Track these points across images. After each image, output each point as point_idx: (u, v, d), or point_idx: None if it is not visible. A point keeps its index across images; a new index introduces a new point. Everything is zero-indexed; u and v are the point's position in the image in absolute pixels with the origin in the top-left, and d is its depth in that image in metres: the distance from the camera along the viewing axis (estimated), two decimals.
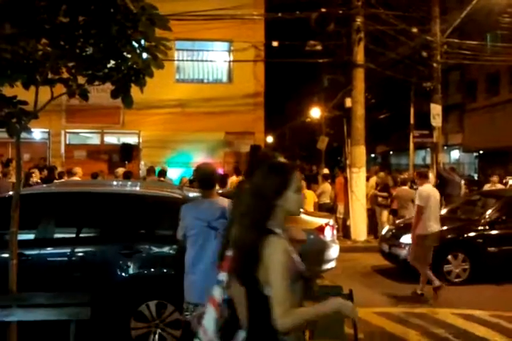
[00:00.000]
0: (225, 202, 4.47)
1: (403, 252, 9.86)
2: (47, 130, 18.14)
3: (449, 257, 9.50)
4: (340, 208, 14.41)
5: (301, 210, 9.61)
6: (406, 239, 9.95)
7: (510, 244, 9.64)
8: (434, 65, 17.37)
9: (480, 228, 9.79)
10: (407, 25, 16.72)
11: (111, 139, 19.69)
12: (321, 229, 8.81)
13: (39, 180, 11.77)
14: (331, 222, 9.17)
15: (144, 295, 5.83)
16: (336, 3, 14.79)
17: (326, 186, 14.09)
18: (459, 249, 9.65)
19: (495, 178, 15.25)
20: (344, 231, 14.46)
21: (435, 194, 8.65)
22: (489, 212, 10.00)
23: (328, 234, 8.88)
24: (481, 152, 32.76)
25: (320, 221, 9.06)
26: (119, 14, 4.23)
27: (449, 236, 9.76)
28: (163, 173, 13.64)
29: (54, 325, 4.54)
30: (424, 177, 9.07)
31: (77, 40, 4.42)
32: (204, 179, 4.59)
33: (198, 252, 4.43)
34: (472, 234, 9.78)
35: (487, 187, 14.74)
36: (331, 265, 9.04)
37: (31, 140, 16.37)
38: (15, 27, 4.27)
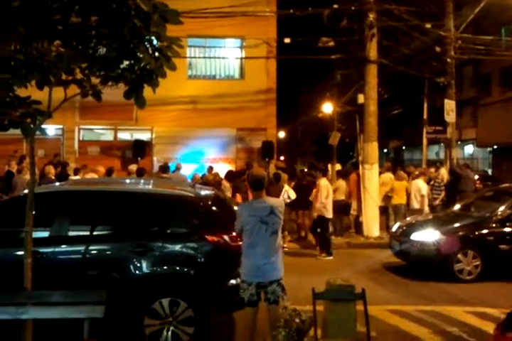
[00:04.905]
0: (272, 201, 5.46)
1: (414, 249, 9.83)
2: (61, 126, 18.25)
3: (459, 256, 9.45)
4: (354, 204, 14.37)
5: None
6: (417, 236, 9.92)
7: None
8: (448, 60, 17.26)
9: (492, 225, 9.71)
10: (421, 20, 16.59)
11: (124, 135, 19.76)
12: None
13: (53, 177, 11.84)
14: None
15: (157, 292, 5.89)
16: None
17: (341, 183, 14.04)
18: (469, 246, 9.56)
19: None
20: (357, 227, 14.45)
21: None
22: (502, 208, 9.90)
23: None
24: (495, 147, 32.44)
25: None
26: (130, 13, 4.24)
27: (460, 233, 9.72)
28: (167, 169, 13.63)
29: (68, 322, 4.60)
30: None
31: (89, 40, 4.44)
32: (255, 182, 5.41)
33: (253, 241, 5.27)
34: (484, 231, 9.69)
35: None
36: None
37: (45, 136, 16.46)
38: (28, 28, 4.31)
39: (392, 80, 26.24)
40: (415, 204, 13.45)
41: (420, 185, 13.49)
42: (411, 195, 13.58)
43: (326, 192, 11.92)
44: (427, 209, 13.61)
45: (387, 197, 14.26)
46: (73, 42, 4.43)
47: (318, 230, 12.17)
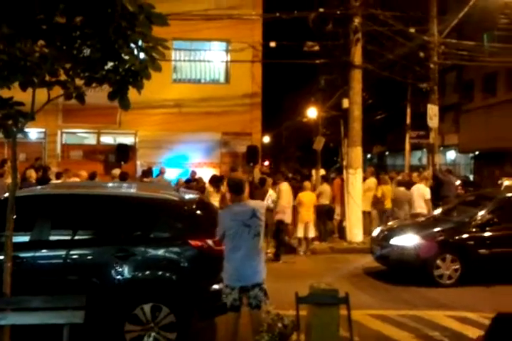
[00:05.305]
0: (253, 203, 5.41)
1: (394, 254, 9.84)
2: (43, 130, 18.08)
3: (439, 261, 9.48)
4: (338, 209, 14.39)
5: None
6: (397, 240, 9.94)
7: (502, 246, 9.61)
8: (431, 65, 17.38)
9: (471, 230, 9.75)
10: (405, 25, 16.71)
11: (107, 139, 19.61)
12: None
13: (34, 180, 11.68)
14: None
15: (139, 298, 5.81)
16: (333, 3, 14.75)
17: (325, 187, 14.05)
18: (448, 250, 9.60)
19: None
20: (340, 232, 14.46)
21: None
22: (481, 213, 9.94)
23: None
24: (477, 153, 32.70)
25: None
26: (116, 14, 4.19)
27: (440, 237, 9.75)
28: (149, 173, 13.54)
29: (48, 327, 4.52)
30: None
31: (74, 41, 4.38)
32: (233, 187, 5.37)
33: (236, 245, 5.21)
34: (463, 235, 9.73)
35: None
36: None
37: (27, 139, 16.31)
38: (11, 27, 4.23)
39: (376, 85, 26.37)
40: (418, 209, 12.84)
41: (423, 189, 13.02)
42: (412, 200, 13.30)
43: (288, 197, 11.95)
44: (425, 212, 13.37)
45: (377, 202, 14.28)
46: (57, 43, 4.36)
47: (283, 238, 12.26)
